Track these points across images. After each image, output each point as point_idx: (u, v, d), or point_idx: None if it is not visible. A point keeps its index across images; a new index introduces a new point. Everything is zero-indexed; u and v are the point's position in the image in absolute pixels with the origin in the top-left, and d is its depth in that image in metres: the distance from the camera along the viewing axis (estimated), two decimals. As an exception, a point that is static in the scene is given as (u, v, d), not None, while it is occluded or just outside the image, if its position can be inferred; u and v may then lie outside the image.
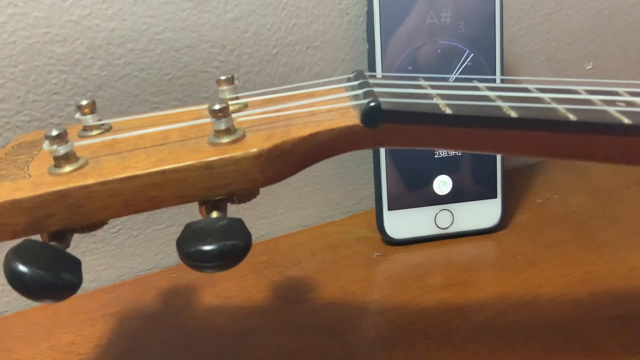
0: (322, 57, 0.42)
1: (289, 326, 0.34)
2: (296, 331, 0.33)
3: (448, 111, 0.21)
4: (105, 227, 0.21)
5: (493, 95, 0.23)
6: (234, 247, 0.19)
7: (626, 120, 0.22)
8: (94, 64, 0.36)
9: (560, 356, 0.31)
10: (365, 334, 0.33)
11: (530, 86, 0.25)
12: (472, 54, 0.40)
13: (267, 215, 0.45)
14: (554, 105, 0.22)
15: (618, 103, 0.24)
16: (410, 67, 0.40)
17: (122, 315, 0.35)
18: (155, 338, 0.33)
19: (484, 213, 0.43)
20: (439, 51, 0.40)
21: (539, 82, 0.25)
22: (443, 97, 0.22)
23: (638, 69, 0.57)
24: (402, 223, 0.42)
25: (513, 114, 0.21)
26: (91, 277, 0.39)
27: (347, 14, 0.42)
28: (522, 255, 0.40)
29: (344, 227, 0.45)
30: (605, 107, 0.23)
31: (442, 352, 0.31)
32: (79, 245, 0.39)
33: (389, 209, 0.41)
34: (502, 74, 0.41)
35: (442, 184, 0.42)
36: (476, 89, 0.24)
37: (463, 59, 0.40)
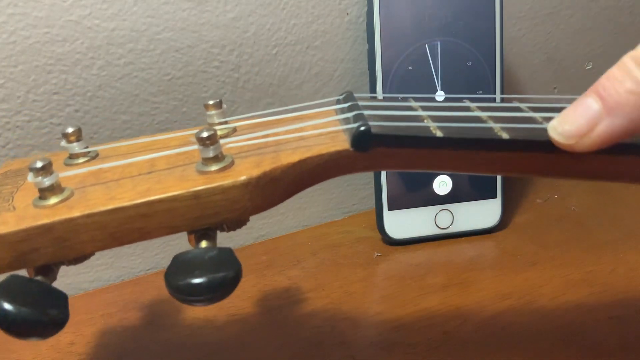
0: (322, 57, 0.42)
1: (289, 326, 0.34)
2: (296, 331, 0.33)
3: (439, 134, 0.21)
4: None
5: (484, 115, 0.23)
6: (224, 279, 0.18)
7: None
8: (94, 64, 0.36)
9: (560, 356, 0.31)
10: (365, 334, 0.33)
11: (522, 105, 0.24)
12: (472, 54, 0.40)
13: (267, 215, 0.45)
14: (545, 125, 0.22)
15: None
16: (410, 67, 0.40)
17: (122, 315, 0.35)
18: (155, 338, 0.33)
19: (484, 213, 0.43)
20: (439, 51, 0.40)
21: (534, 101, 0.25)
22: (434, 119, 0.22)
23: (638, 69, 0.57)
24: (402, 223, 0.42)
25: (504, 135, 0.21)
26: (91, 277, 0.39)
27: (347, 14, 0.42)
28: (522, 255, 0.40)
29: (344, 227, 0.45)
30: None
31: (442, 352, 0.31)
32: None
33: (389, 209, 0.41)
34: (502, 73, 0.41)
35: (442, 184, 0.42)
36: (467, 109, 0.24)
37: (463, 58, 0.40)
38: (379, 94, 0.40)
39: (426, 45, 0.40)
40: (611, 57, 0.61)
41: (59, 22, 0.34)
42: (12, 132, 0.35)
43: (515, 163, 0.22)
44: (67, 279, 0.39)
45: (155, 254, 0.41)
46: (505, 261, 0.40)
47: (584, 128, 0.20)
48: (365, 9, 0.40)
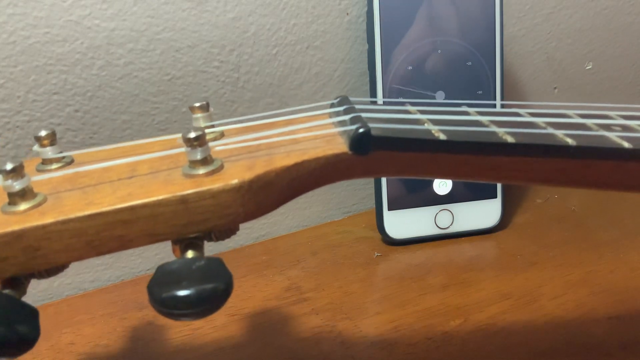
0: (322, 57, 0.42)
1: (289, 326, 0.34)
2: (296, 331, 0.33)
3: (442, 137, 0.20)
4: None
5: (485, 120, 0.22)
6: (214, 290, 0.17)
7: (626, 145, 0.21)
8: (94, 64, 0.36)
9: (560, 356, 0.31)
10: (365, 334, 0.33)
11: (521, 111, 0.24)
12: (472, 54, 0.40)
13: (267, 215, 0.44)
14: (550, 130, 0.22)
15: (614, 127, 0.23)
16: (410, 67, 0.40)
17: (122, 315, 0.35)
18: (155, 338, 0.33)
19: (484, 213, 0.43)
20: (439, 51, 0.40)
21: (531, 107, 0.25)
22: (434, 122, 0.21)
23: (638, 69, 0.57)
24: (402, 223, 0.42)
25: (510, 139, 0.21)
26: (91, 277, 0.39)
27: (347, 14, 0.42)
28: (522, 255, 0.40)
29: (344, 227, 0.45)
30: (602, 132, 0.22)
31: (442, 352, 0.31)
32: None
33: (389, 209, 0.41)
34: (502, 73, 0.41)
35: (442, 184, 0.42)
36: (467, 113, 0.23)
37: (463, 58, 0.40)
38: (379, 94, 0.40)
39: (426, 45, 0.40)
40: (611, 57, 0.61)
41: (58, 22, 0.34)
42: (12, 132, 0.35)
43: (519, 169, 0.22)
44: (66, 279, 0.39)
45: (156, 254, 0.41)
46: (505, 261, 0.40)
47: None
48: (365, 9, 0.40)
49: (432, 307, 0.35)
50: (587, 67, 0.54)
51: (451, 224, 0.42)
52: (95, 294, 0.38)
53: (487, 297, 0.36)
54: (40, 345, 0.33)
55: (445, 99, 0.40)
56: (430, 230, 0.42)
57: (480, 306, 0.35)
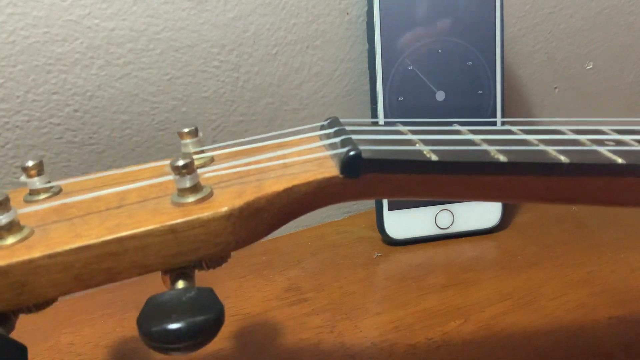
0: (322, 57, 0.42)
1: (289, 326, 0.34)
2: (296, 331, 0.33)
3: (434, 157, 0.20)
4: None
5: (477, 138, 0.22)
6: (205, 322, 0.16)
7: (620, 160, 0.21)
8: (94, 64, 0.36)
9: (560, 356, 0.31)
10: (366, 334, 0.33)
11: (513, 128, 0.24)
12: (472, 54, 0.40)
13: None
14: (542, 147, 0.21)
15: (607, 142, 0.23)
16: (410, 67, 0.40)
17: (122, 315, 0.35)
18: (155, 338, 0.33)
19: (484, 213, 0.43)
20: (440, 51, 0.40)
21: (528, 124, 0.24)
22: (426, 142, 0.21)
23: (638, 69, 0.57)
24: (402, 223, 0.42)
25: (502, 158, 0.20)
26: (91, 277, 0.39)
27: (347, 13, 0.42)
28: (523, 255, 0.40)
29: (344, 227, 0.45)
30: (595, 147, 0.22)
31: (442, 352, 0.31)
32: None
33: (389, 209, 0.41)
34: (502, 73, 0.41)
35: (442, 184, 0.42)
36: (458, 132, 0.23)
37: (463, 58, 0.40)
38: (379, 94, 0.40)
39: (426, 45, 0.40)
40: (611, 57, 0.61)
41: (58, 22, 0.34)
42: (12, 132, 0.35)
43: (512, 188, 0.22)
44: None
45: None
46: (505, 261, 0.40)
47: None
48: (365, 8, 0.40)
49: (432, 307, 0.35)
50: (588, 67, 0.54)
51: (451, 224, 0.42)
52: (95, 295, 0.38)
53: (488, 297, 0.35)
54: (40, 345, 0.33)
55: (445, 98, 0.40)
56: (430, 230, 0.42)
57: (481, 306, 0.35)
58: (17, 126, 0.35)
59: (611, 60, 0.55)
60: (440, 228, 0.42)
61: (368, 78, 0.41)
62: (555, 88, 0.53)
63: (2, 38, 0.33)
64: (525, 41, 0.50)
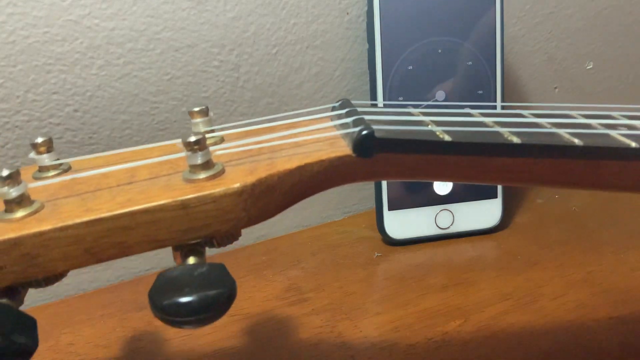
0: (322, 57, 0.42)
1: (288, 326, 0.34)
2: (296, 331, 0.33)
3: (447, 138, 0.20)
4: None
5: (489, 121, 0.22)
6: (218, 296, 0.16)
7: (634, 144, 0.21)
8: (94, 64, 0.36)
9: (560, 356, 0.31)
10: (366, 334, 0.33)
11: (524, 112, 0.24)
12: (472, 54, 0.40)
13: (267, 215, 0.44)
14: (554, 130, 0.21)
15: (618, 127, 0.23)
16: (410, 67, 0.40)
17: (122, 315, 0.35)
18: (155, 338, 0.33)
19: (484, 213, 0.43)
20: (440, 51, 0.40)
21: (531, 108, 0.24)
22: (438, 123, 0.21)
23: (638, 69, 0.57)
24: (402, 223, 0.42)
25: (515, 140, 0.20)
26: (91, 277, 0.39)
27: (347, 13, 0.42)
28: (523, 255, 0.40)
29: (344, 227, 0.45)
30: (607, 131, 0.22)
31: (442, 352, 0.31)
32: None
33: (389, 209, 0.41)
34: (502, 73, 0.41)
35: (443, 184, 0.42)
36: (469, 115, 0.23)
37: (463, 58, 0.40)
38: (379, 94, 0.40)
39: (426, 45, 0.40)
40: (611, 57, 0.61)
41: (58, 22, 0.34)
42: (12, 132, 0.35)
43: (525, 170, 0.21)
44: (66, 279, 0.38)
45: (155, 254, 0.41)
46: (505, 261, 0.40)
47: None
48: (365, 8, 0.40)
49: (432, 307, 0.35)
50: (588, 67, 0.54)
51: (451, 224, 0.42)
52: (95, 295, 0.38)
53: (488, 297, 0.35)
54: (40, 345, 0.33)
55: (445, 99, 0.40)
56: (430, 230, 0.42)
57: (481, 306, 0.35)
58: (17, 126, 0.35)
59: (611, 60, 0.55)
60: (440, 228, 0.42)
61: (368, 78, 0.41)
62: (555, 88, 0.53)
63: (2, 38, 0.33)
64: (525, 41, 0.50)
